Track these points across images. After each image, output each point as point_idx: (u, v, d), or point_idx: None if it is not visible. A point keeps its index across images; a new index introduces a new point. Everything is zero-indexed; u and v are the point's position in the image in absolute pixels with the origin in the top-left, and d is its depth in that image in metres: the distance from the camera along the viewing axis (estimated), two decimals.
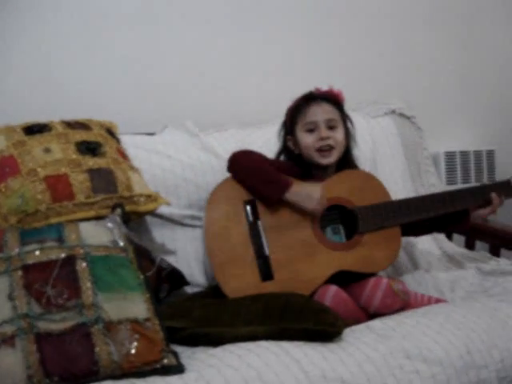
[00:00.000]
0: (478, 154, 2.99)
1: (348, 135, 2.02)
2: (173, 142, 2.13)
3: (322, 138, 1.91)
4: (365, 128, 2.40)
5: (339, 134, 1.94)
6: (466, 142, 3.05)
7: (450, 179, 2.89)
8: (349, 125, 2.05)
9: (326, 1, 2.63)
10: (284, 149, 2.06)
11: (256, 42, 2.50)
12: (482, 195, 1.97)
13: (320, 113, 1.93)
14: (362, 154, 2.30)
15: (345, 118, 2.02)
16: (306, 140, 1.94)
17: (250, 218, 1.84)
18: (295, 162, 2.00)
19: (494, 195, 1.95)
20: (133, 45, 2.27)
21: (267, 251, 1.80)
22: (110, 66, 2.25)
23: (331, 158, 1.93)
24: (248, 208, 1.85)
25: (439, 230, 2.08)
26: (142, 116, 2.28)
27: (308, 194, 1.80)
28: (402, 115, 2.52)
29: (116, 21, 2.23)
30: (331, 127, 1.93)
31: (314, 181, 1.91)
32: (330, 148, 1.92)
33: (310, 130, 1.94)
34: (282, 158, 2.07)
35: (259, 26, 2.50)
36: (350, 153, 2.06)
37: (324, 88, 2.00)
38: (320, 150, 1.93)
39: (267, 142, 2.16)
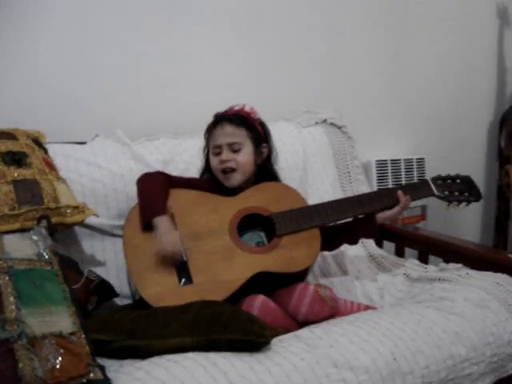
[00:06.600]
0: (408, 161, 3.06)
1: (258, 151, 2.05)
2: (103, 151, 2.11)
3: (222, 161, 1.97)
4: (296, 137, 2.44)
5: (242, 156, 1.98)
6: (397, 151, 3.12)
7: (382, 187, 2.94)
8: (271, 141, 2.10)
9: (259, 12, 2.64)
10: (206, 166, 2.10)
11: (189, 51, 2.49)
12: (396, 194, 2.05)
13: (222, 136, 1.99)
14: (294, 164, 2.34)
15: (256, 135, 2.04)
16: (212, 163, 2.02)
17: None
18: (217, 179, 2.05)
19: (400, 193, 2.02)
20: (64, 52, 2.23)
21: (185, 257, 1.81)
22: (39, 72, 2.19)
23: (234, 180, 1.99)
24: None
25: (349, 240, 2.10)
26: (74, 124, 2.25)
27: (165, 232, 1.80)
28: (332, 125, 2.57)
29: (43, 27, 2.18)
30: (234, 150, 1.98)
31: (229, 196, 1.97)
32: (232, 170, 1.98)
33: (217, 154, 2.00)
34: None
35: (192, 35, 2.49)
36: (270, 166, 2.10)
37: (237, 107, 2.04)
38: (224, 172, 1.99)
39: (199, 152, 2.15)
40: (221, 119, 2.01)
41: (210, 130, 2.04)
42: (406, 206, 2.05)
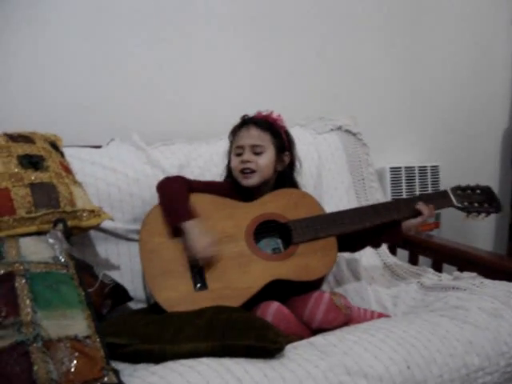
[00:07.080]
0: (422, 169, 3.06)
1: (280, 158, 2.04)
2: (118, 155, 2.11)
3: (243, 161, 1.97)
4: (311, 144, 2.44)
5: (263, 160, 1.98)
6: (412, 158, 3.12)
7: (396, 194, 2.94)
8: (294, 150, 2.09)
9: (274, 19, 2.65)
10: (227, 169, 2.09)
11: (204, 56, 2.50)
12: (415, 205, 2.02)
13: (246, 137, 1.99)
14: (308, 170, 2.34)
15: (280, 142, 2.03)
16: (233, 162, 2.01)
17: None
18: (236, 183, 2.04)
19: (420, 204, 2.00)
20: (80, 57, 2.24)
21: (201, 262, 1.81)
22: (56, 77, 2.21)
23: (253, 180, 1.98)
24: None
25: (373, 244, 2.10)
26: (90, 129, 2.26)
27: (200, 234, 1.80)
28: (347, 131, 2.58)
29: (62, 32, 2.20)
30: (256, 153, 1.98)
31: (247, 201, 1.96)
32: (252, 171, 1.97)
33: (239, 154, 2.00)
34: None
35: (207, 41, 2.50)
36: (291, 175, 2.09)
37: (264, 113, 2.04)
38: (242, 172, 1.98)
39: (213, 157, 2.16)
40: (247, 121, 2.02)
41: (235, 132, 2.04)
42: (430, 216, 2.02)
